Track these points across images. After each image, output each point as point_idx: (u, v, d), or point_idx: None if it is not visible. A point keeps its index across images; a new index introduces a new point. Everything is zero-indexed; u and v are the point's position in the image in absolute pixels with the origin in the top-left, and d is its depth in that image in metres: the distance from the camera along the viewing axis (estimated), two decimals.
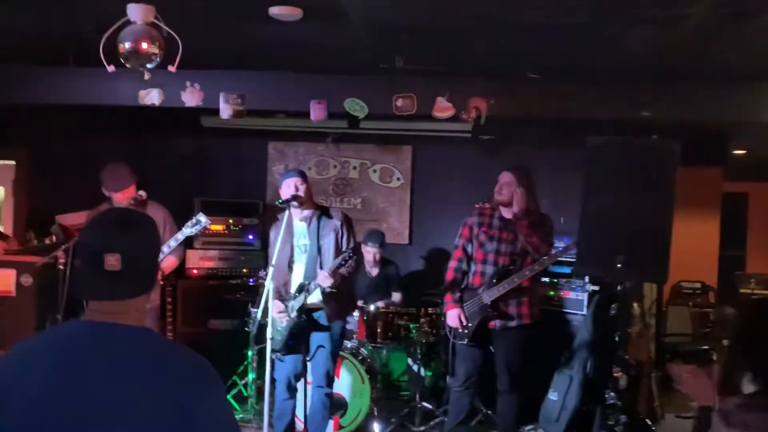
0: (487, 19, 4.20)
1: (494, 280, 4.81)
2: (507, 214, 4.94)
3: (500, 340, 4.89)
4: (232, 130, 7.16)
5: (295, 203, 4.72)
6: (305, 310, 4.72)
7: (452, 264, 5.06)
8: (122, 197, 4.93)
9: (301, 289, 4.70)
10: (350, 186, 7.76)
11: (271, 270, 4.47)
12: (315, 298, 4.73)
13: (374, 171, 7.73)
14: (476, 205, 5.08)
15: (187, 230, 4.80)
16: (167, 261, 5.17)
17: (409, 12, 4.11)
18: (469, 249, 5.02)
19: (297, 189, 4.75)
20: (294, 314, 4.70)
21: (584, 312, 5.91)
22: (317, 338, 4.82)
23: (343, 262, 4.55)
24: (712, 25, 4.15)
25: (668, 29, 4.26)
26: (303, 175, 4.87)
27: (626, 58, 4.95)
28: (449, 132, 6.95)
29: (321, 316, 4.81)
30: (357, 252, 4.70)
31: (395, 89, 5.76)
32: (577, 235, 4.49)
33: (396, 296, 6.55)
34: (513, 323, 4.86)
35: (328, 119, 5.95)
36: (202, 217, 4.77)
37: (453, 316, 4.92)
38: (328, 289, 4.62)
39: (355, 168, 7.75)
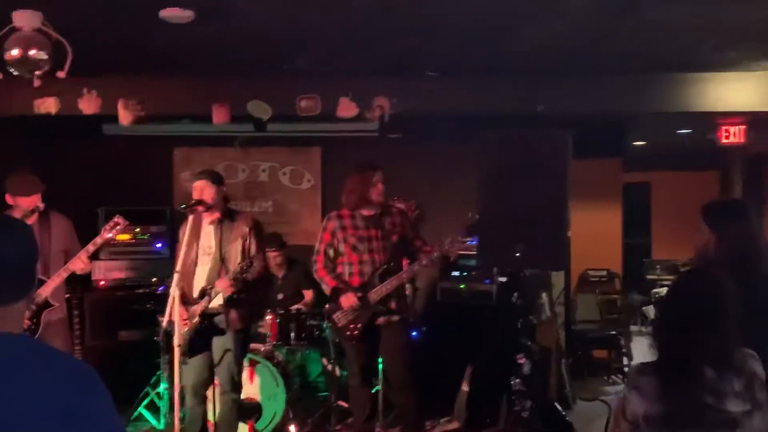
0: (385, 18, 4.25)
1: (377, 280, 4.83)
2: (366, 211, 4.96)
3: (386, 337, 4.89)
4: (136, 137, 6.99)
5: (200, 208, 4.69)
6: (206, 315, 4.71)
7: (318, 265, 5.00)
8: (28, 204, 4.76)
9: (203, 293, 4.68)
10: (260, 189, 7.72)
11: (176, 276, 4.44)
12: (217, 302, 4.71)
13: (284, 174, 7.72)
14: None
15: (107, 234, 4.69)
16: (82, 264, 4.88)
17: (307, 11, 4.13)
18: (331, 253, 5.00)
19: (202, 193, 4.72)
20: (195, 319, 4.69)
21: (493, 302, 6.04)
22: (222, 343, 4.79)
23: (241, 272, 4.58)
24: (599, 18, 4.30)
25: (557, 23, 4.39)
26: (212, 178, 4.81)
27: (520, 53, 5.08)
28: (357, 132, 7.00)
29: (221, 321, 4.79)
30: (257, 260, 4.72)
31: (299, 90, 5.77)
32: (476, 227, 4.58)
33: (308, 294, 6.52)
34: (396, 317, 4.90)
35: (234, 123, 5.92)
36: (119, 219, 4.69)
37: (349, 297, 4.83)
38: (235, 296, 4.65)
39: (264, 171, 7.72)
